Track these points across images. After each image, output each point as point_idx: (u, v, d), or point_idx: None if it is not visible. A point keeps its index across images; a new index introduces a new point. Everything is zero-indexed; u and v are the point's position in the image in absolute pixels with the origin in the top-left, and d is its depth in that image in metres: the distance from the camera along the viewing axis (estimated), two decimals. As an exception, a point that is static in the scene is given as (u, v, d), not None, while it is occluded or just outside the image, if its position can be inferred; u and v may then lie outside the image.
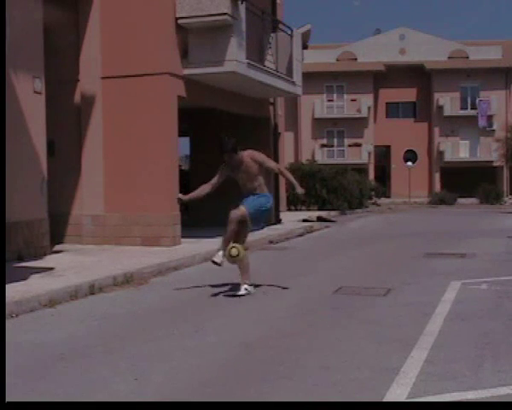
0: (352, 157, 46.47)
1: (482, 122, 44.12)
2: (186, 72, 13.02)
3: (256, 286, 8.20)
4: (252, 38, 13.79)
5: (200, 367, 5.02)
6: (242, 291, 7.88)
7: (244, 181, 7.97)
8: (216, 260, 7.87)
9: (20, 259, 10.26)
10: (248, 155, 7.88)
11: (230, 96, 14.98)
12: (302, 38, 17.94)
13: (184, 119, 14.02)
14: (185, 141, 19.56)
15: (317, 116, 47.50)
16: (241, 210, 7.82)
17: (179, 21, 12.68)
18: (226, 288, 8.48)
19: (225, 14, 12.31)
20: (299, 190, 8.06)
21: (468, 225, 20.03)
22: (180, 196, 8.74)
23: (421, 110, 48.42)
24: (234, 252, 7.70)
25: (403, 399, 4.24)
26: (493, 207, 32.70)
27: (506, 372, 4.75)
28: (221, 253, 7.85)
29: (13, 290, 7.41)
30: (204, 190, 8.17)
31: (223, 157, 7.92)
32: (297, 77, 16.74)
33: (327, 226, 19.45)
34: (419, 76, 47.51)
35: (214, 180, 8.09)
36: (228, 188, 14.21)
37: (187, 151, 23.12)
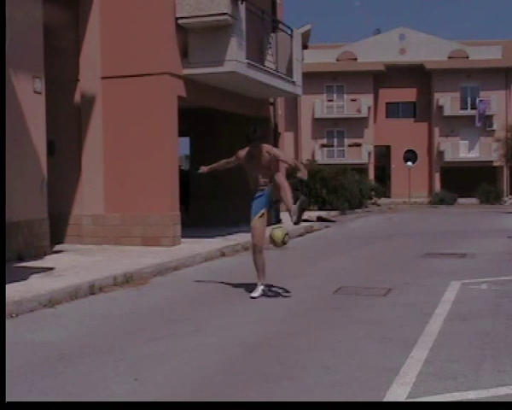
0: (352, 157, 46.45)
1: (478, 122, 44.15)
2: (186, 72, 13.02)
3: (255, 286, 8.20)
4: (252, 37, 13.78)
5: (200, 367, 5.02)
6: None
7: (255, 173, 8.02)
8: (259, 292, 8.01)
9: (20, 259, 10.26)
10: (265, 148, 8.04)
11: (230, 96, 14.97)
12: (302, 38, 17.93)
13: (184, 119, 14.02)
14: (185, 141, 19.57)
15: (316, 116, 47.50)
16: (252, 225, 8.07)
17: (179, 21, 12.69)
18: (226, 288, 8.49)
19: (225, 14, 12.30)
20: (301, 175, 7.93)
21: (467, 225, 20.03)
22: (202, 168, 8.79)
23: (421, 110, 48.41)
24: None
25: (403, 399, 4.24)
26: (493, 207, 32.71)
27: (506, 372, 4.75)
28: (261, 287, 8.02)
29: (13, 290, 7.41)
30: (221, 164, 8.57)
31: (248, 146, 8.07)
32: (297, 77, 16.73)
33: (327, 226, 19.45)
34: (419, 76, 47.50)
35: (231, 159, 8.41)
36: (227, 189, 14.18)
37: (187, 151, 23.12)
